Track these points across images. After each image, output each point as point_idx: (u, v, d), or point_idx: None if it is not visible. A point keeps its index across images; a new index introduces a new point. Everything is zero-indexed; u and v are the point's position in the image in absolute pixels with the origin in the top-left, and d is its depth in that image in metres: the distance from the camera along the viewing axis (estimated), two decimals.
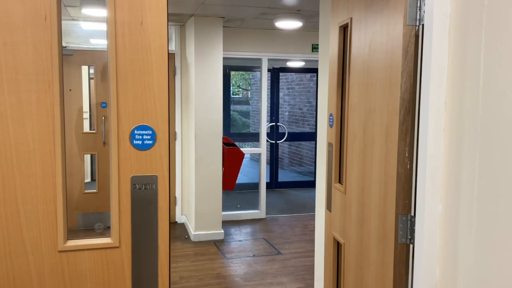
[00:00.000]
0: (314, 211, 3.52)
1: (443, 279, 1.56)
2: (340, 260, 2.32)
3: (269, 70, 7.62)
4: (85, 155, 5.68)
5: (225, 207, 6.14)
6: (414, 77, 1.67)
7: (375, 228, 1.90)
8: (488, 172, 1.34)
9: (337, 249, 2.39)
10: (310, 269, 4.44)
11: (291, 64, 8.65)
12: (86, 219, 5.05)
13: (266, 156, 6.57)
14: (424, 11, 1.60)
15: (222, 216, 5.56)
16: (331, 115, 2.46)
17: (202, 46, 5.24)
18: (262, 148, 6.42)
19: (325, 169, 2.60)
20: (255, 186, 7.93)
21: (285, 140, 7.76)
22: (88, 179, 6.77)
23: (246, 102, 12.72)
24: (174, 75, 5.77)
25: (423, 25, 1.61)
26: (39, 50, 1.50)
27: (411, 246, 1.70)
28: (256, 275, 4.36)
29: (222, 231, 5.49)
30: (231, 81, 9.63)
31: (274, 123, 9.10)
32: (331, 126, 2.45)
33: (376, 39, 1.89)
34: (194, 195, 5.41)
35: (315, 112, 9.39)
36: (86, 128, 6.27)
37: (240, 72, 12.14)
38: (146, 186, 1.61)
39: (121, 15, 1.55)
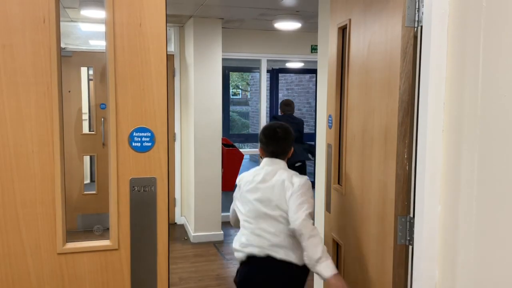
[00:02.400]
0: None
1: (443, 280, 1.56)
2: (340, 261, 2.32)
3: (268, 71, 7.61)
4: (84, 157, 5.67)
5: (225, 208, 6.13)
6: (413, 78, 1.67)
7: (374, 229, 1.90)
8: (487, 173, 1.34)
9: (336, 250, 2.39)
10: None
11: (290, 65, 8.65)
12: (86, 220, 5.05)
13: None
14: (422, 13, 1.60)
15: (221, 217, 5.55)
16: (330, 116, 2.46)
17: (201, 47, 5.24)
18: None
19: (324, 170, 2.60)
20: None
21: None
22: (87, 181, 6.76)
23: (245, 103, 12.72)
24: (173, 76, 5.76)
25: (421, 26, 1.61)
26: (38, 52, 1.50)
27: (410, 247, 1.69)
28: None
29: (222, 232, 5.49)
30: (230, 82, 9.63)
31: None
32: (330, 127, 2.45)
33: (375, 40, 1.89)
34: (193, 196, 5.40)
35: (314, 113, 9.39)
36: (86, 129, 6.27)
37: (240, 73, 12.14)
38: (145, 188, 1.61)
39: (120, 16, 1.55)
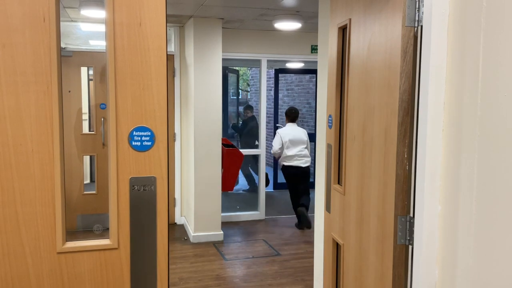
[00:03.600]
0: (313, 212, 3.52)
1: (442, 280, 1.56)
2: (339, 261, 2.32)
3: (268, 71, 7.65)
4: (84, 156, 5.67)
5: (225, 208, 6.13)
6: (413, 78, 1.67)
7: (374, 229, 1.90)
8: (487, 173, 1.34)
9: (336, 250, 2.39)
10: (309, 270, 4.44)
11: (290, 65, 8.65)
12: (85, 220, 5.04)
13: (266, 157, 6.57)
14: (422, 12, 1.60)
15: (221, 217, 5.56)
16: (330, 116, 2.46)
17: (202, 47, 5.24)
18: (262, 149, 6.42)
19: (324, 170, 2.60)
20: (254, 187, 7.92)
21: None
22: (87, 181, 6.76)
23: (245, 103, 12.72)
24: (174, 76, 5.77)
25: (421, 26, 1.61)
26: (38, 52, 1.50)
27: (410, 247, 1.70)
28: (255, 277, 4.36)
29: (222, 232, 5.49)
30: (229, 83, 9.64)
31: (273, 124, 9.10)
32: (330, 127, 2.45)
33: (375, 40, 1.89)
34: (193, 196, 5.40)
35: (314, 113, 9.38)
36: (86, 129, 6.27)
37: (239, 73, 12.12)
38: (144, 187, 1.61)
39: (120, 16, 1.55)
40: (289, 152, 5.79)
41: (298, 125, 6.10)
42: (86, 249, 1.59)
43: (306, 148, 5.88)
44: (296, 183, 5.94)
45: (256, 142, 7.41)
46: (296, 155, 5.84)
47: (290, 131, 5.90)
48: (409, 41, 1.65)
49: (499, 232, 1.30)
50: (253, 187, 7.76)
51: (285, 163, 5.87)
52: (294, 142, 5.83)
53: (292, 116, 6.01)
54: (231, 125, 9.52)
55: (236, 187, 6.92)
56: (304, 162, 5.85)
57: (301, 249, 5.12)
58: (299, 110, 10.66)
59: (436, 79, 1.54)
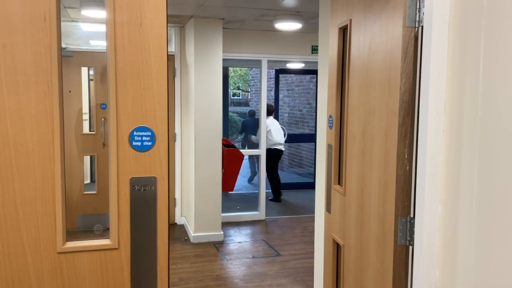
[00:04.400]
0: (313, 212, 3.52)
1: (443, 281, 1.56)
2: (340, 261, 2.32)
3: (269, 71, 7.77)
4: (84, 157, 5.67)
5: (225, 209, 6.13)
6: (414, 79, 1.67)
7: (374, 230, 1.90)
8: (488, 173, 1.34)
9: (336, 250, 2.39)
10: (309, 271, 4.44)
11: (290, 66, 8.65)
12: (86, 221, 5.05)
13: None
14: (423, 13, 1.60)
15: (221, 218, 5.56)
16: (330, 116, 2.46)
17: (202, 47, 5.24)
18: (262, 150, 6.42)
19: (324, 171, 2.60)
20: (254, 187, 7.91)
21: (284, 142, 7.84)
22: (87, 181, 6.76)
23: (246, 103, 12.73)
24: (174, 76, 5.77)
25: (422, 26, 1.61)
26: (38, 52, 1.50)
27: (410, 247, 1.69)
28: (256, 277, 4.36)
29: (222, 232, 5.49)
30: (229, 84, 9.67)
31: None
32: (330, 127, 2.45)
33: (376, 40, 1.89)
34: (193, 196, 5.40)
35: (314, 114, 9.38)
36: (86, 129, 6.27)
37: (239, 73, 12.13)
38: (145, 187, 1.61)
39: (121, 16, 1.55)
40: (273, 139, 7.49)
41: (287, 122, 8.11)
42: (87, 249, 1.59)
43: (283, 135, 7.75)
44: (273, 161, 7.63)
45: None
46: (277, 142, 7.59)
47: (271, 123, 7.50)
48: (410, 41, 1.65)
49: (499, 233, 1.30)
50: (254, 173, 9.02)
51: (269, 147, 7.44)
52: (275, 131, 7.54)
53: (272, 110, 7.71)
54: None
55: (236, 187, 7.05)
56: (280, 146, 7.65)
57: (301, 249, 5.12)
58: (299, 110, 10.80)
59: (436, 80, 1.54)
